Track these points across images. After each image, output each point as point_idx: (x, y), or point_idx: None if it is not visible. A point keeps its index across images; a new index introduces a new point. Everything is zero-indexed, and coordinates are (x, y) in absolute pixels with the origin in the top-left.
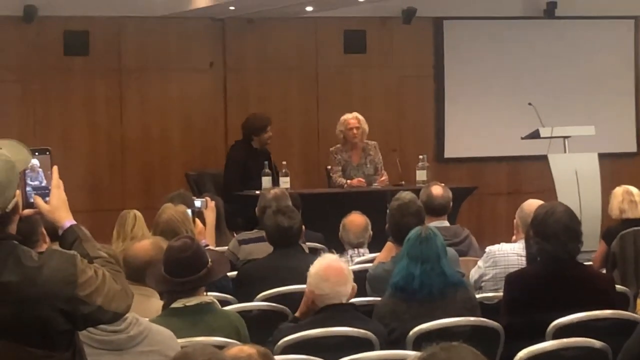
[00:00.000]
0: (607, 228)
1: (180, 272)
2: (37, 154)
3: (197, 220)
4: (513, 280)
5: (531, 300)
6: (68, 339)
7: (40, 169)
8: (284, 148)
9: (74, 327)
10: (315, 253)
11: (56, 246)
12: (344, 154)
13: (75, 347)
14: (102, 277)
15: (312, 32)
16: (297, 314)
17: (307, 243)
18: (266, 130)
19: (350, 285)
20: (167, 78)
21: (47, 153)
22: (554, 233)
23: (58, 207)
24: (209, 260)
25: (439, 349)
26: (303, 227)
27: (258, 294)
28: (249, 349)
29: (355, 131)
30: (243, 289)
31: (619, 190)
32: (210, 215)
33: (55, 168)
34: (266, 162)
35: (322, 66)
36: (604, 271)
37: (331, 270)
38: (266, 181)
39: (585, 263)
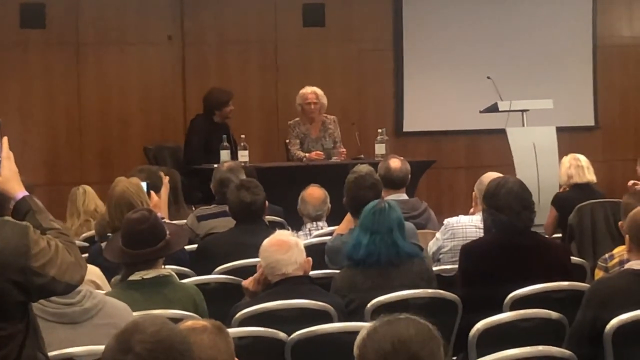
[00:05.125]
0: (556, 194)
1: (138, 244)
2: None
3: (153, 193)
4: (469, 250)
5: (487, 269)
6: (21, 311)
7: None
8: (243, 122)
9: (27, 298)
10: (275, 227)
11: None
12: (302, 127)
13: (29, 318)
14: (55, 248)
15: (270, 5)
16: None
17: (267, 217)
18: (228, 105)
19: (295, 255)
20: (124, 51)
21: None
22: (507, 204)
23: (9, 179)
24: (167, 232)
25: (380, 324)
26: (267, 202)
27: None
28: (202, 322)
29: (312, 106)
30: (203, 263)
31: (566, 158)
32: (163, 190)
33: (5, 139)
34: (225, 136)
35: (281, 40)
36: (556, 235)
37: (273, 242)
38: (225, 154)
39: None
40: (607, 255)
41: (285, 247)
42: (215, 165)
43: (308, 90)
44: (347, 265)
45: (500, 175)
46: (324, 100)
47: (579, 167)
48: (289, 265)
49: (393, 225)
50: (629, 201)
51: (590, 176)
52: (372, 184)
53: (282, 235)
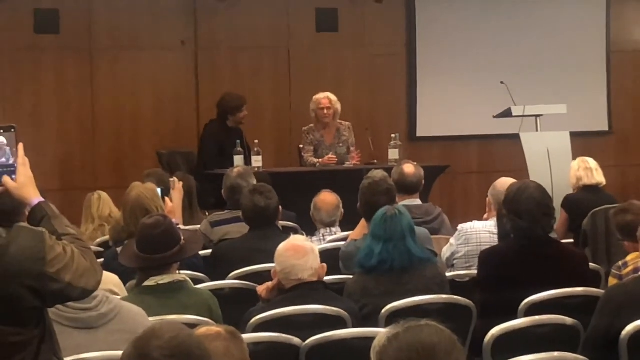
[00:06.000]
0: (565, 196)
1: (153, 249)
2: (2, 131)
3: (167, 199)
4: (487, 257)
5: (505, 276)
6: (37, 316)
7: (6, 147)
8: (256, 127)
9: (43, 304)
10: (288, 232)
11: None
12: (317, 134)
13: (45, 324)
14: (71, 253)
15: (284, 10)
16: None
17: (281, 222)
18: (242, 110)
19: (311, 260)
20: (138, 56)
21: (13, 130)
22: (527, 210)
23: (25, 184)
24: (182, 237)
25: (403, 330)
26: (280, 207)
27: None
28: (216, 328)
29: (326, 111)
30: (217, 268)
31: (575, 162)
32: (177, 196)
33: (20, 145)
34: (238, 141)
35: (294, 45)
36: (568, 240)
37: (289, 247)
38: (238, 159)
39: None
40: (620, 263)
41: (302, 253)
42: None
43: (321, 95)
44: (359, 272)
45: (515, 180)
46: (338, 105)
47: (588, 169)
48: (305, 271)
49: (405, 232)
50: (626, 218)
51: (599, 178)
52: (387, 189)
53: (298, 240)
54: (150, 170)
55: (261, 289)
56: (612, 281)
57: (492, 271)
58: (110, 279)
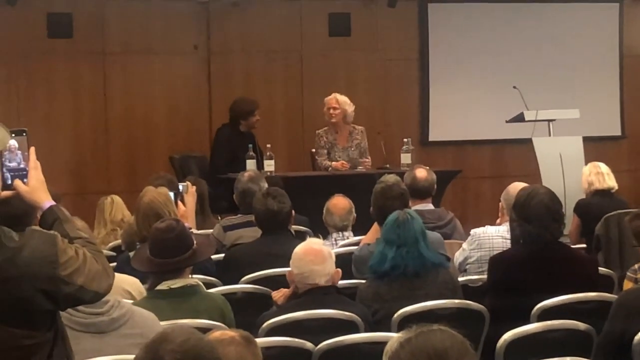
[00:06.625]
0: (577, 201)
1: (165, 253)
2: (13, 135)
3: (180, 204)
4: (496, 262)
5: (515, 281)
6: (50, 320)
7: (18, 150)
8: (269, 131)
9: (55, 307)
10: (300, 237)
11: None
12: (330, 137)
13: (57, 327)
14: (83, 257)
15: (296, 15)
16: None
17: (293, 226)
18: (254, 114)
19: (329, 266)
20: (151, 61)
21: (24, 134)
22: (536, 215)
23: (37, 188)
24: (194, 242)
25: (415, 334)
26: (293, 211)
27: None
28: (230, 332)
29: (332, 111)
30: (230, 273)
31: (586, 167)
32: (190, 200)
33: (32, 149)
34: (251, 145)
35: (306, 49)
36: (581, 245)
37: (308, 250)
38: (251, 164)
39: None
40: (636, 266)
41: (321, 258)
42: None
43: (331, 96)
44: (371, 277)
45: (527, 185)
46: (347, 107)
47: (599, 174)
48: (322, 277)
49: (418, 236)
50: None
51: (610, 182)
52: (399, 193)
53: (316, 244)
54: (158, 174)
55: (277, 295)
56: (627, 284)
57: (502, 276)
58: (127, 281)
